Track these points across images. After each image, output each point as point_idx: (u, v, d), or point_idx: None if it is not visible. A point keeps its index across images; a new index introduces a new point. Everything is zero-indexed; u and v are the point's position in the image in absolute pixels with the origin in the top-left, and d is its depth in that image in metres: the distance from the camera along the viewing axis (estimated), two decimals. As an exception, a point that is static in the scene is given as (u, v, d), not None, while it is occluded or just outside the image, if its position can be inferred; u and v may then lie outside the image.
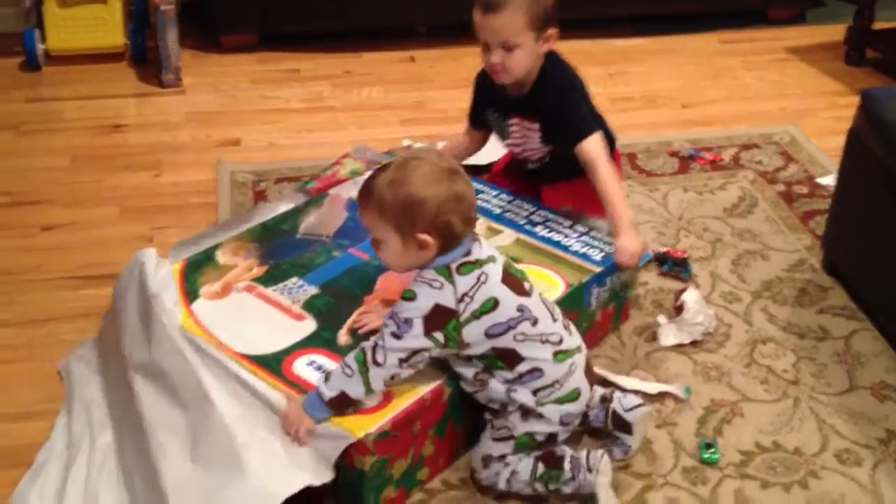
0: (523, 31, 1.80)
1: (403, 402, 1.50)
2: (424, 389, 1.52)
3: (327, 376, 1.49)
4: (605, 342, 1.91)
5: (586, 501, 1.54)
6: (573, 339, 1.58)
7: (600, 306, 1.86)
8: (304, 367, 1.57)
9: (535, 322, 1.51)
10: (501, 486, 1.55)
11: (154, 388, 1.57)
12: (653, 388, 1.77)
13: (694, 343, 1.90)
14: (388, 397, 1.51)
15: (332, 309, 1.70)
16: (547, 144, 1.96)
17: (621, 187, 1.90)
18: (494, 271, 1.50)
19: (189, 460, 1.46)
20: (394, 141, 2.55)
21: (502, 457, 1.54)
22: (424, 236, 1.46)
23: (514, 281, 1.53)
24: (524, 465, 1.54)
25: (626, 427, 1.62)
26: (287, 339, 1.63)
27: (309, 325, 1.67)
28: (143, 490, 1.50)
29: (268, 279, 1.78)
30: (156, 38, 2.93)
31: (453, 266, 1.48)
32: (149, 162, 2.57)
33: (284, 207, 2.02)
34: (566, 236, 1.90)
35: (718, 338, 1.93)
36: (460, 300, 1.46)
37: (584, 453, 1.55)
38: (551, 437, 1.56)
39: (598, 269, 1.81)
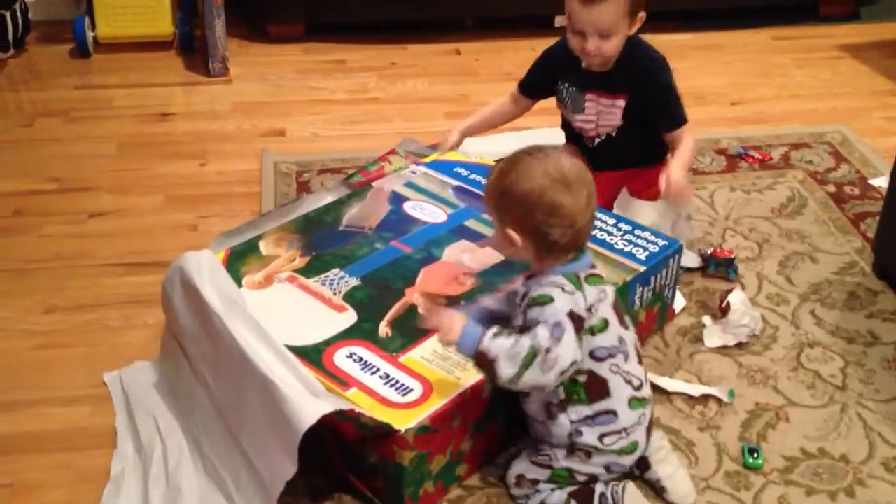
0: (622, 18, 1.81)
1: (444, 398, 1.49)
2: (465, 384, 1.52)
3: (497, 335, 1.41)
4: (648, 342, 1.89)
5: None
6: (648, 390, 1.53)
7: (645, 307, 1.84)
8: (345, 360, 1.57)
9: (626, 358, 1.47)
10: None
11: (219, 372, 1.59)
12: (696, 390, 1.75)
13: (739, 345, 1.88)
14: (427, 391, 1.50)
15: (373, 301, 1.70)
16: (627, 120, 1.98)
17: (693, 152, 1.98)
18: (610, 293, 1.48)
19: (253, 423, 1.48)
20: (438, 134, 2.54)
21: (535, 482, 1.51)
22: (512, 233, 1.43)
23: (620, 311, 1.49)
24: (555, 499, 1.51)
25: (645, 463, 1.54)
26: (328, 331, 1.63)
27: (350, 317, 1.67)
28: (227, 466, 1.52)
29: (309, 270, 1.78)
30: (204, 27, 2.95)
31: (582, 276, 1.44)
32: (195, 151, 2.59)
33: (328, 199, 2.02)
34: (610, 234, 1.88)
35: (764, 340, 1.90)
36: (589, 309, 1.42)
37: (609, 490, 1.50)
38: (592, 478, 1.51)
39: (641, 269, 1.79)
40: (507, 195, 1.42)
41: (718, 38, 3.28)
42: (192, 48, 3.12)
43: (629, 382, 1.48)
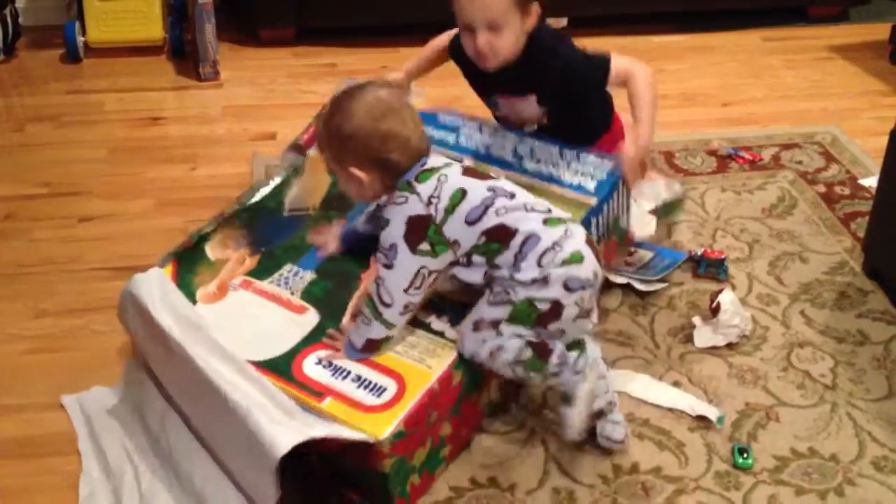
0: (511, 9, 1.73)
1: (419, 390, 1.48)
2: (436, 374, 1.50)
3: (355, 327, 1.55)
4: (638, 344, 1.89)
5: (561, 399, 1.56)
6: (564, 213, 1.57)
7: (603, 238, 1.81)
8: (314, 367, 1.54)
9: (512, 196, 1.53)
10: (483, 355, 1.52)
11: (188, 395, 1.57)
12: (688, 407, 1.73)
13: (729, 345, 1.88)
14: (402, 387, 1.48)
15: (330, 294, 1.68)
16: (548, 106, 1.92)
17: (654, 99, 1.83)
18: (453, 170, 1.54)
19: (231, 445, 1.47)
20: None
21: (496, 322, 1.50)
22: (356, 171, 1.51)
23: (477, 173, 1.57)
24: (513, 344, 1.50)
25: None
26: (292, 338, 1.59)
27: (311, 318, 1.63)
28: (209, 486, 1.51)
29: (261, 271, 1.74)
30: (194, 32, 2.95)
31: (411, 179, 1.52)
32: (186, 155, 2.58)
33: (270, 186, 1.94)
34: (556, 166, 1.85)
35: (755, 340, 1.90)
36: (428, 203, 1.49)
37: (574, 354, 1.52)
38: (555, 308, 1.48)
39: (593, 201, 1.77)
40: (340, 138, 1.51)
41: (709, 40, 3.28)
42: (183, 52, 3.12)
43: (533, 209, 1.52)
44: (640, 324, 1.94)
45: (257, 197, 1.92)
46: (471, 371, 1.56)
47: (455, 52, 1.98)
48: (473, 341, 1.52)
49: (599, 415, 1.61)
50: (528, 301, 1.48)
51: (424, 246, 1.49)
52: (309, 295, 1.69)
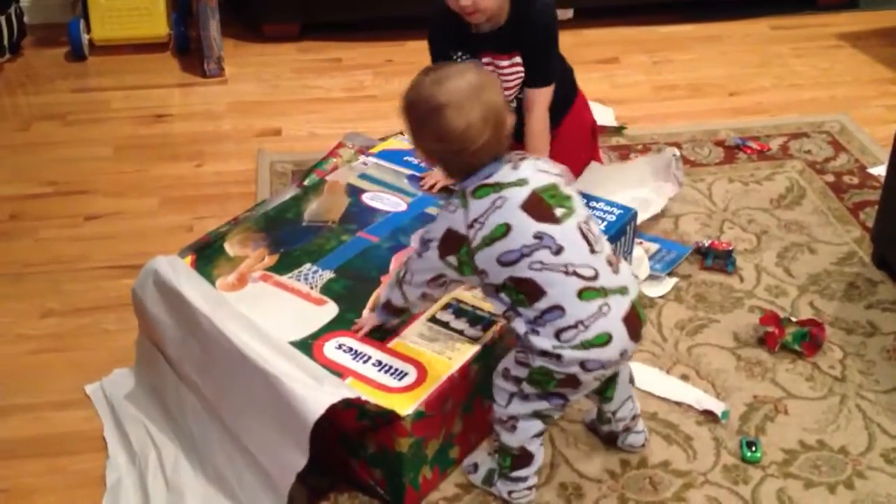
0: None
1: (440, 377, 1.51)
2: (456, 364, 1.53)
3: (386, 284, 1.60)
4: (645, 337, 1.88)
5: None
6: (617, 279, 1.43)
7: None
8: (335, 351, 1.57)
9: (558, 251, 1.39)
10: (502, 415, 1.49)
11: (209, 373, 1.58)
12: (695, 401, 1.72)
13: (738, 338, 1.87)
14: (422, 373, 1.51)
15: (351, 291, 1.70)
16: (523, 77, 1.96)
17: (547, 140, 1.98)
18: (516, 196, 1.41)
19: (255, 420, 1.48)
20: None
21: (517, 379, 1.46)
22: (423, 154, 1.50)
23: (540, 207, 1.41)
24: (521, 433, 1.49)
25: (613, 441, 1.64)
26: (312, 325, 1.62)
27: (331, 310, 1.66)
28: (228, 466, 1.53)
29: (281, 267, 1.77)
30: (198, 28, 2.94)
31: (469, 190, 1.43)
32: (191, 152, 2.58)
33: (285, 196, 2.00)
34: None
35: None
36: (470, 226, 1.41)
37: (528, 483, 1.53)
38: (572, 380, 1.43)
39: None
40: (408, 122, 1.46)
41: (717, 29, 3.26)
42: (188, 49, 3.12)
43: (574, 274, 1.39)
44: (647, 316, 1.93)
45: (274, 204, 1.95)
46: (488, 371, 1.56)
47: (434, 31, 2.03)
48: (501, 391, 1.50)
49: (625, 430, 1.61)
50: (543, 369, 1.43)
51: (453, 259, 1.46)
52: (329, 291, 1.71)
